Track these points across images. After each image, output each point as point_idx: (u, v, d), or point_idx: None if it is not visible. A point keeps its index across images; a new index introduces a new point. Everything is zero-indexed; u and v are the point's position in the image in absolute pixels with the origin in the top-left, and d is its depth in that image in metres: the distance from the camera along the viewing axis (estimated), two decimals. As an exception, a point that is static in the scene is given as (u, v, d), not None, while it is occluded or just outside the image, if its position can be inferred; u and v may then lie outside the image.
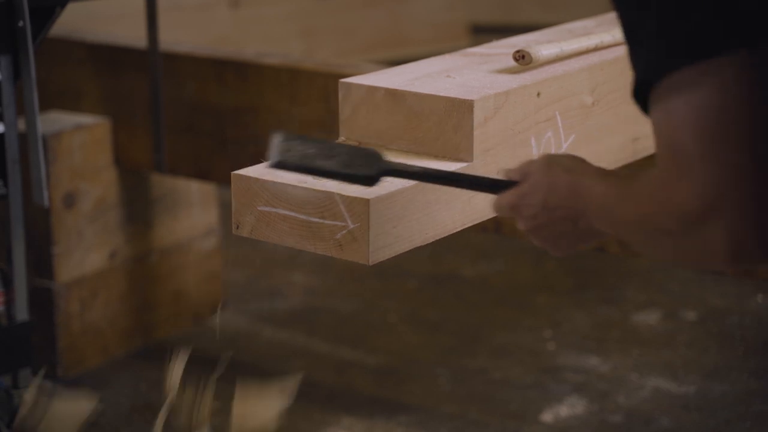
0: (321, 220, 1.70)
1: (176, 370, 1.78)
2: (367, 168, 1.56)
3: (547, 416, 3.09)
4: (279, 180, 1.73)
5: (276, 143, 1.55)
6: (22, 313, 2.60)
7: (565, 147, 2.00)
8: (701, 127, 1.21)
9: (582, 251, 3.59)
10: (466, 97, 1.83)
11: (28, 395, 2.59)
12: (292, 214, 1.72)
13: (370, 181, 1.57)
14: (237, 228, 1.78)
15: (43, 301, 3.23)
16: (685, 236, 1.27)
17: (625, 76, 2.11)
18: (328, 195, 1.68)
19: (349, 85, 1.92)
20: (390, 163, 1.59)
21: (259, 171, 1.77)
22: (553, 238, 1.51)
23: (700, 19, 1.20)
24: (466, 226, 1.86)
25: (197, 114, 3.24)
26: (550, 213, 1.49)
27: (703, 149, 1.21)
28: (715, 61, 1.20)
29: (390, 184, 1.72)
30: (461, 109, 1.83)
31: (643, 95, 1.28)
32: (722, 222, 1.23)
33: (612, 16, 2.40)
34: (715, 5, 1.20)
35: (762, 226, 1.23)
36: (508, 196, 1.52)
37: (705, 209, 1.23)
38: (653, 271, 3.88)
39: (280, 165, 1.55)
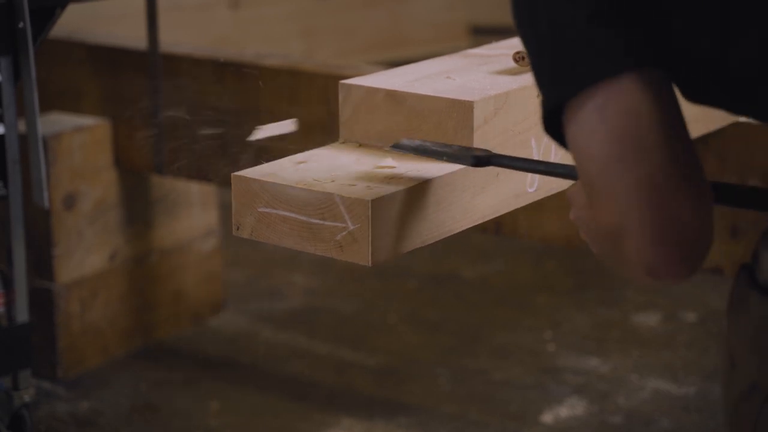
0: (321, 221, 1.70)
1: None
2: (478, 152, 1.72)
3: (547, 417, 3.09)
4: (279, 181, 1.73)
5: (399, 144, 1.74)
6: (22, 314, 2.60)
7: (565, 148, 1.99)
8: (601, 151, 1.23)
9: (581, 252, 3.58)
10: (466, 98, 1.83)
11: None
12: (293, 215, 1.72)
13: (478, 161, 1.71)
14: (237, 229, 1.78)
15: (43, 301, 3.23)
16: (612, 251, 1.28)
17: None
18: (328, 196, 1.68)
19: (349, 86, 1.92)
20: (499, 155, 1.71)
21: (259, 172, 1.77)
22: (590, 237, 1.49)
23: (592, 46, 1.22)
24: (466, 227, 1.86)
25: (197, 115, 3.24)
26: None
27: (606, 170, 1.23)
28: (610, 83, 1.22)
29: (390, 186, 1.72)
30: (461, 110, 1.83)
31: (552, 128, 1.29)
32: (630, 241, 1.23)
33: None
34: (606, 35, 1.22)
35: (668, 244, 1.22)
36: (573, 186, 1.52)
37: (615, 228, 1.24)
38: (653, 272, 3.88)
39: (398, 146, 1.73)
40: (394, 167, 1.80)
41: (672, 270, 1.24)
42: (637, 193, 1.21)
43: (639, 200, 1.21)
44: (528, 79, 1.96)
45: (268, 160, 1.82)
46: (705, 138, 2.36)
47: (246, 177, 1.75)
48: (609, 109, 1.21)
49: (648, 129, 1.21)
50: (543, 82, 1.28)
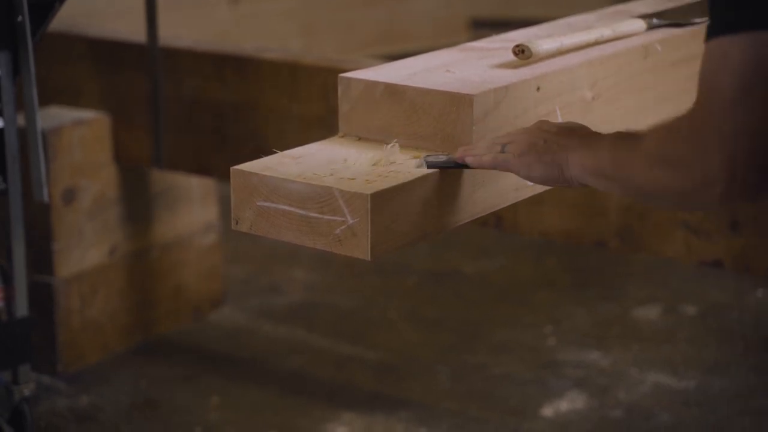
0: (320, 216, 1.69)
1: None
2: None
3: (548, 411, 3.09)
4: (278, 175, 1.72)
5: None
6: (22, 309, 2.59)
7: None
8: (734, 84, 1.44)
9: (582, 248, 3.58)
10: (466, 92, 1.83)
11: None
12: (292, 209, 1.72)
13: None
14: (236, 223, 1.78)
15: (43, 297, 3.23)
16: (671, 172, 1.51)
17: (625, 71, 2.11)
18: (327, 190, 1.68)
19: (349, 80, 1.91)
20: None
21: (258, 166, 1.76)
22: (536, 156, 1.70)
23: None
24: (466, 222, 1.85)
25: (197, 109, 3.24)
26: (543, 133, 1.72)
27: (734, 101, 1.44)
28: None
29: (389, 180, 1.72)
30: (461, 103, 1.82)
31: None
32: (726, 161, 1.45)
33: (613, 11, 2.40)
34: None
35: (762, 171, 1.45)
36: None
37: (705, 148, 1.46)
38: (653, 267, 3.88)
39: (428, 164, 1.76)
40: (394, 162, 1.79)
41: (753, 193, 1.47)
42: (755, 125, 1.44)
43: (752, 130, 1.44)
44: (527, 72, 1.96)
45: (267, 155, 1.81)
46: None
47: (245, 171, 1.75)
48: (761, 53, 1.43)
49: None
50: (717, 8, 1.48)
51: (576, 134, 1.72)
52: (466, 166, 1.78)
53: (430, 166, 1.76)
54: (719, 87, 1.46)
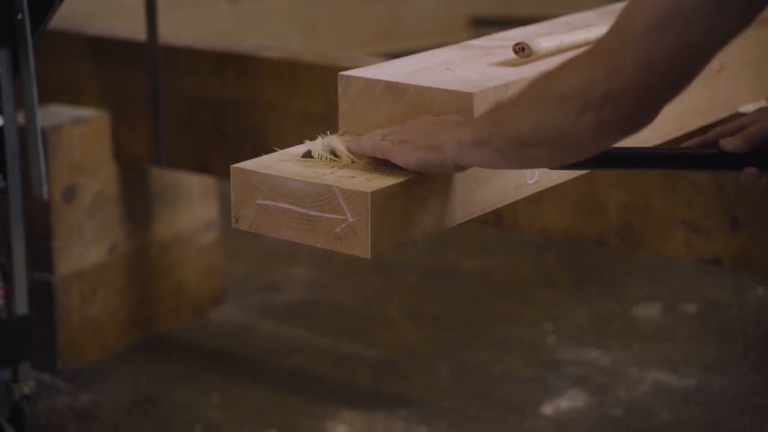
0: (320, 214, 1.69)
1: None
2: None
3: (548, 409, 3.09)
4: (278, 173, 1.72)
5: None
6: (21, 307, 2.59)
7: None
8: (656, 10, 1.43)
9: (581, 246, 3.58)
10: (466, 90, 1.82)
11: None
12: (292, 207, 1.71)
13: None
14: (236, 222, 1.77)
15: (42, 295, 3.23)
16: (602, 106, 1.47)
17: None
18: (328, 188, 1.68)
19: (349, 78, 1.91)
20: None
21: (258, 164, 1.76)
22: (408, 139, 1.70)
23: None
24: (466, 220, 1.85)
25: (196, 107, 3.24)
26: (420, 121, 1.74)
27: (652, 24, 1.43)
28: None
29: (389, 178, 1.72)
30: (461, 101, 1.82)
31: None
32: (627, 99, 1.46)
33: (612, 9, 2.40)
34: None
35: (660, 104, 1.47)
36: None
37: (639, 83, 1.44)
38: (653, 265, 3.88)
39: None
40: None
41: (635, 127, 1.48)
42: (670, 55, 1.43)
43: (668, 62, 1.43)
44: (528, 71, 1.95)
45: (267, 153, 1.81)
46: (705, 129, 2.36)
47: (245, 169, 1.75)
48: None
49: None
50: None
51: (455, 121, 1.72)
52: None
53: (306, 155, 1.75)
54: (634, 19, 1.45)
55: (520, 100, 1.59)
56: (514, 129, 1.57)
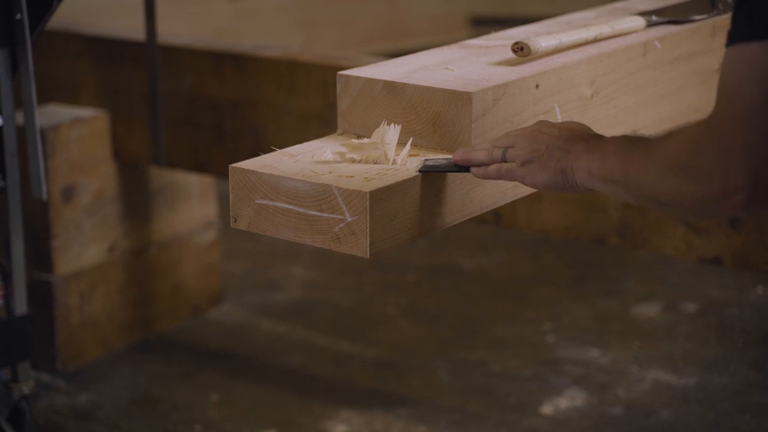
0: (319, 213, 1.69)
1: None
2: None
3: (547, 408, 3.09)
4: (277, 173, 1.72)
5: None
6: (20, 307, 2.59)
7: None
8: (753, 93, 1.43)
9: (581, 244, 3.57)
10: (465, 90, 1.82)
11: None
12: (290, 207, 1.71)
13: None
14: (235, 221, 1.77)
15: (42, 294, 3.23)
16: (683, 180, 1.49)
17: (624, 68, 2.11)
18: (326, 188, 1.68)
19: (347, 77, 1.91)
20: None
21: (257, 164, 1.76)
22: (545, 158, 1.69)
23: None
24: (465, 219, 1.85)
25: (195, 107, 3.24)
26: (549, 136, 1.71)
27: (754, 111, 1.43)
28: None
29: (388, 178, 1.71)
30: (460, 101, 1.82)
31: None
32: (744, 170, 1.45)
33: (612, 8, 2.40)
34: None
35: None
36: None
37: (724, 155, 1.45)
38: (653, 264, 3.88)
39: (426, 167, 1.75)
40: (393, 160, 1.79)
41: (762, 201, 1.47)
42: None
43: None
44: (526, 70, 1.95)
45: (266, 152, 1.81)
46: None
47: (244, 168, 1.75)
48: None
49: None
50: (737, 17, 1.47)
51: (579, 137, 1.69)
52: (465, 170, 1.76)
53: (427, 169, 1.76)
54: (744, 95, 1.43)
55: (653, 162, 1.56)
56: (650, 191, 1.56)
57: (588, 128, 1.74)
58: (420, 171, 1.75)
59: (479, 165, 1.74)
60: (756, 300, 3.66)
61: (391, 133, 1.78)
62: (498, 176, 1.73)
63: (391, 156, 1.77)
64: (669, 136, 1.59)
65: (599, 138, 1.69)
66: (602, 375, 3.24)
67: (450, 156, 1.79)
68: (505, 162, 1.72)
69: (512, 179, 1.73)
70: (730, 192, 1.46)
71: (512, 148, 1.73)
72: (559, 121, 1.97)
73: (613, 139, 1.66)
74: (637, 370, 3.26)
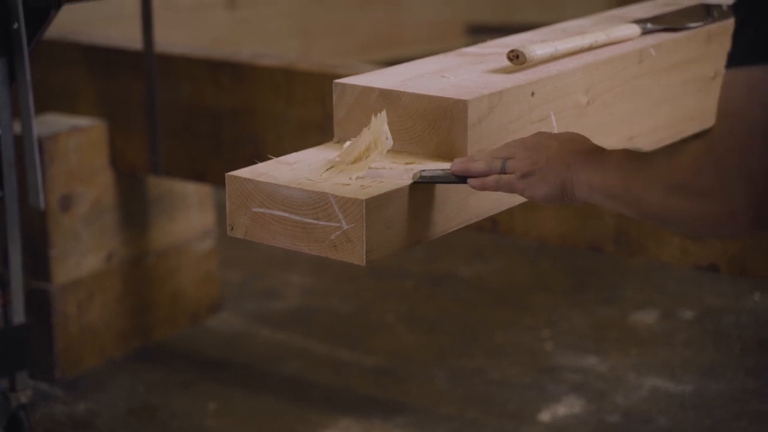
0: (315, 221, 1.70)
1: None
2: None
3: (545, 416, 3.09)
4: (273, 181, 1.73)
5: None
6: (18, 316, 2.59)
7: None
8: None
9: (578, 251, 3.58)
10: (461, 98, 1.83)
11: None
12: (287, 215, 1.72)
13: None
14: (231, 229, 1.78)
15: (39, 303, 3.23)
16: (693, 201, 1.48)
17: (619, 76, 2.12)
18: (322, 196, 1.68)
19: (344, 85, 1.91)
20: None
21: (253, 172, 1.76)
22: (545, 171, 1.68)
23: None
24: (461, 226, 1.85)
25: (193, 115, 3.24)
26: (548, 149, 1.70)
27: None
28: None
29: (384, 186, 1.72)
30: (455, 109, 1.83)
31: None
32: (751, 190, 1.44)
33: (607, 15, 2.40)
34: None
35: None
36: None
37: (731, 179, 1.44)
38: (651, 271, 3.88)
39: (423, 179, 1.75)
40: (389, 168, 1.79)
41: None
42: None
43: None
44: (522, 78, 1.96)
45: (263, 160, 1.81)
46: (699, 136, 2.36)
47: (240, 177, 1.75)
48: None
49: None
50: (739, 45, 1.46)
51: (579, 151, 1.68)
52: (463, 181, 1.76)
53: (424, 180, 1.76)
54: (745, 118, 1.43)
55: (655, 180, 1.55)
56: (652, 209, 1.56)
57: (587, 140, 1.73)
58: (417, 182, 1.74)
59: (478, 176, 1.74)
60: (753, 307, 3.66)
61: (379, 118, 1.78)
62: (497, 188, 1.72)
63: (382, 141, 1.76)
64: (671, 153, 1.58)
65: (600, 152, 1.68)
66: (600, 382, 3.24)
67: (447, 166, 1.79)
68: (504, 173, 1.72)
69: (511, 191, 1.72)
70: (732, 213, 1.46)
71: (512, 160, 1.72)
72: (555, 128, 1.98)
73: (614, 153, 1.65)
74: (635, 378, 3.26)
